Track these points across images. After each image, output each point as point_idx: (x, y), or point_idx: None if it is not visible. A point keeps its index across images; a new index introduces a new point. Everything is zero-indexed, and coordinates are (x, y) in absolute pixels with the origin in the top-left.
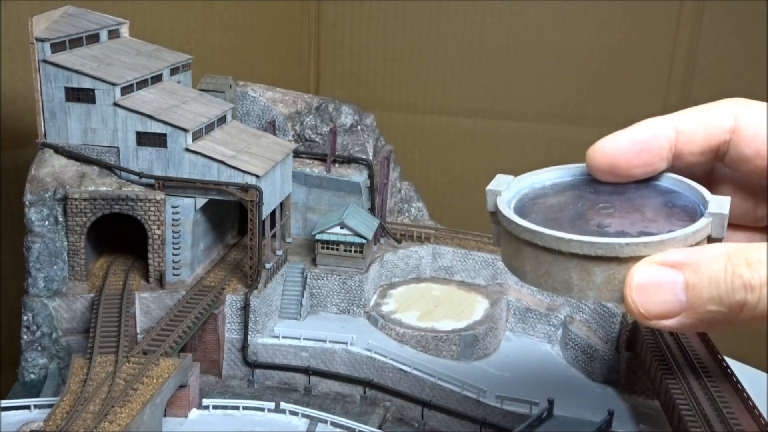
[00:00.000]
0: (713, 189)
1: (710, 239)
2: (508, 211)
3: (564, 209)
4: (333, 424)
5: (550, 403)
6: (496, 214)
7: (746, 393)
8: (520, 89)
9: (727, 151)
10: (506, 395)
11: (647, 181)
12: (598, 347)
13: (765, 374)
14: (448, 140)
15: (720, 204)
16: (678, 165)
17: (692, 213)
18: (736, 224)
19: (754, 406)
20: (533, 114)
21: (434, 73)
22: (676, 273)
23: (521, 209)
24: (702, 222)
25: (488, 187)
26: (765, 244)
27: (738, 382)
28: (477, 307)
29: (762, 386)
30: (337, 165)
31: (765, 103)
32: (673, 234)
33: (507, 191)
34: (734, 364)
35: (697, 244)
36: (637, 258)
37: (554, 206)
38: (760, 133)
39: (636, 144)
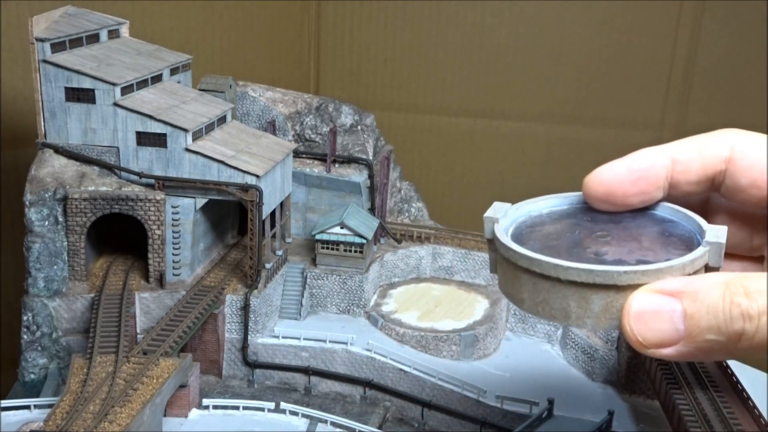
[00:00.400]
0: (709, 218)
1: (707, 268)
2: (505, 239)
3: (561, 237)
4: (333, 424)
5: (550, 403)
6: (493, 241)
7: (746, 393)
8: (520, 89)
9: (723, 180)
10: (506, 395)
11: (644, 210)
12: (598, 347)
13: (765, 374)
14: (448, 140)
15: (717, 233)
16: (674, 194)
17: (689, 242)
18: (732, 254)
19: (754, 406)
20: (533, 114)
21: (434, 73)
22: (674, 301)
23: (518, 237)
24: (699, 251)
25: (485, 215)
26: (763, 273)
27: (738, 382)
28: (477, 307)
29: (762, 386)
30: (337, 165)
31: (761, 135)
32: (671, 263)
33: (504, 218)
34: (734, 364)
35: (695, 272)
36: (635, 286)
37: (551, 234)
38: (756, 164)
39: (633, 173)
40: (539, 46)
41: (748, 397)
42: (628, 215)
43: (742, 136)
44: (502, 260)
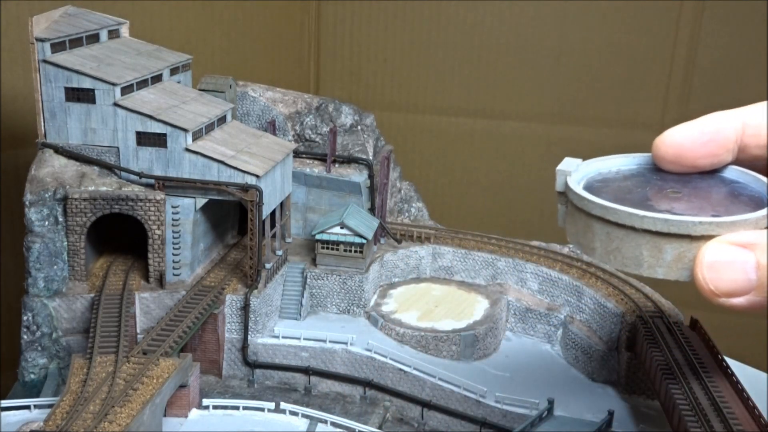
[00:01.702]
0: None
1: None
2: (580, 189)
3: (632, 192)
4: (333, 424)
5: (550, 403)
6: (564, 194)
7: (746, 393)
8: (520, 89)
9: None
10: (506, 395)
11: (711, 172)
12: (598, 347)
13: (765, 374)
14: (448, 140)
15: None
16: (742, 158)
17: (758, 202)
18: None
19: (754, 406)
20: (533, 114)
21: (434, 73)
22: (747, 253)
23: (589, 190)
24: None
25: (558, 167)
26: None
27: (738, 382)
28: (477, 307)
29: (762, 386)
30: (337, 165)
31: None
32: (745, 216)
33: (575, 173)
34: (734, 364)
35: (766, 228)
36: (709, 237)
37: (622, 189)
38: None
39: (703, 135)
40: (539, 46)
41: (748, 397)
42: (697, 176)
43: None
44: (573, 211)
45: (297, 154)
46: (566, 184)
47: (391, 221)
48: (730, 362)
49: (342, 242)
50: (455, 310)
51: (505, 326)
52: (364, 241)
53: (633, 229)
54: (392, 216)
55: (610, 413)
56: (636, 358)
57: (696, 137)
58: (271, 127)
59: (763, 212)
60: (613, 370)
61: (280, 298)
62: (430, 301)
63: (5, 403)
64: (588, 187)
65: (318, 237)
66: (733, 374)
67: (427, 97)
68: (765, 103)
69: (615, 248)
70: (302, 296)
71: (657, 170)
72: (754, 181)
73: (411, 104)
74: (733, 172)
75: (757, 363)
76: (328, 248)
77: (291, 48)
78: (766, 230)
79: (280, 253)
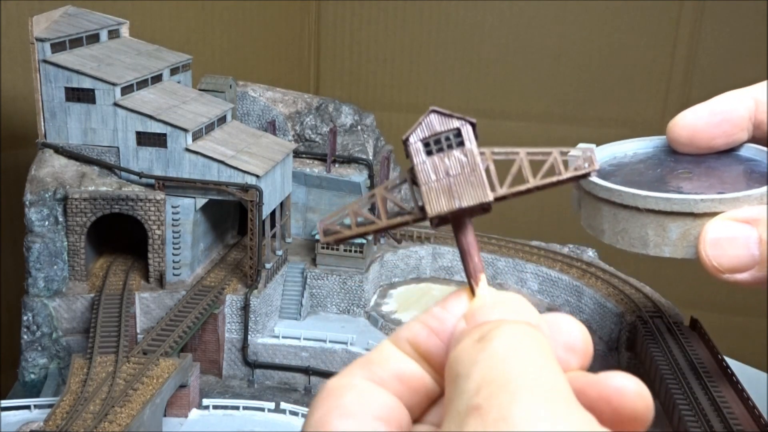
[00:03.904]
0: None
1: None
2: None
3: (643, 174)
4: None
5: None
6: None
7: (746, 393)
8: (520, 89)
9: None
10: None
11: (728, 151)
12: (599, 347)
13: (765, 374)
14: None
15: None
16: (758, 135)
17: None
18: None
19: (754, 406)
20: (533, 114)
21: (434, 73)
22: (750, 228)
23: (602, 174)
24: None
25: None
26: None
27: (738, 382)
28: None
29: (762, 386)
30: (337, 165)
31: None
32: (748, 192)
33: None
34: (734, 364)
35: None
36: (712, 214)
37: (634, 172)
38: None
39: (716, 115)
40: (539, 46)
41: (748, 397)
42: (712, 156)
43: None
44: (584, 195)
45: (297, 154)
46: None
47: None
48: (730, 362)
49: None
50: None
51: None
52: (364, 241)
53: (637, 209)
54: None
55: None
56: (636, 358)
57: (708, 118)
58: (271, 127)
59: (765, 188)
60: (613, 370)
61: (280, 298)
62: (430, 301)
63: (5, 403)
64: (600, 171)
65: (318, 237)
66: (733, 374)
67: (427, 97)
68: None
69: (622, 229)
70: (302, 296)
71: (673, 152)
72: (765, 157)
73: (411, 104)
74: (750, 150)
75: (757, 363)
76: (328, 248)
77: (291, 48)
78: None
79: (280, 253)
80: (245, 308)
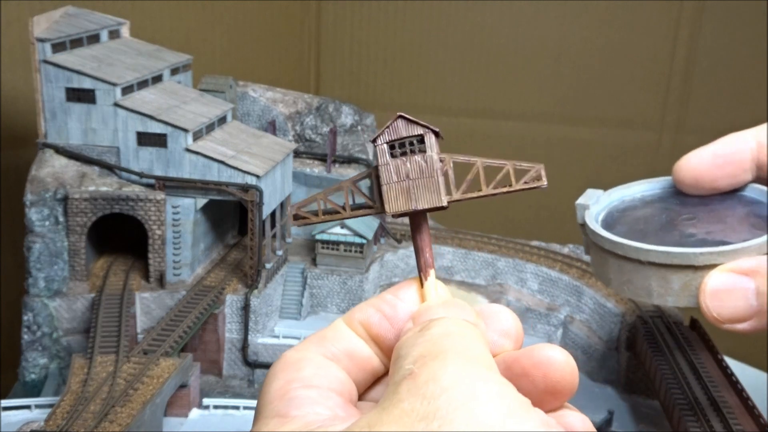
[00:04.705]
0: None
1: None
2: (594, 224)
3: (649, 221)
4: None
5: None
6: (584, 226)
7: (746, 393)
8: (520, 89)
9: None
10: None
11: (734, 192)
12: (598, 347)
13: (765, 374)
14: (448, 140)
15: None
16: (762, 176)
17: None
18: None
19: (754, 406)
20: (533, 114)
21: (434, 73)
22: (747, 280)
23: (609, 221)
24: None
25: (577, 202)
26: None
27: (738, 382)
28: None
29: (762, 386)
30: (337, 165)
31: None
32: (748, 243)
33: (596, 204)
34: (734, 364)
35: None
36: (712, 266)
37: (640, 218)
38: None
39: (718, 158)
40: (539, 46)
41: (748, 397)
42: (717, 198)
43: None
44: (592, 244)
45: (297, 154)
46: (584, 218)
47: (391, 221)
48: (730, 362)
49: (342, 242)
50: None
51: None
52: (365, 241)
53: (640, 262)
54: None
55: (610, 413)
56: (636, 358)
57: (711, 160)
58: (272, 127)
59: (763, 238)
60: (613, 369)
61: (280, 298)
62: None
63: (5, 403)
64: (608, 218)
65: (318, 237)
66: (732, 374)
67: (427, 97)
68: None
69: (627, 280)
70: (302, 296)
71: (678, 194)
72: None
73: (411, 104)
74: (755, 191)
75: (757, 363)
76: (328, 248)
77: (291, 48)
78: (767, 256)
79: (280, 253)
80: (245, 308)
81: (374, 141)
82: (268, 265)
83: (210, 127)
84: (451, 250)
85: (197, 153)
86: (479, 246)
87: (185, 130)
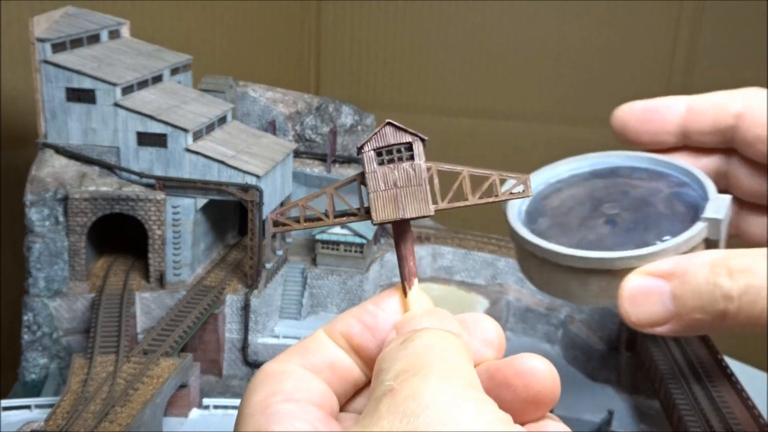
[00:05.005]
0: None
1: (708, 242)
2: (514, 220)
3: (571, 211)
4: None
5: None
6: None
7: (746, 393)
8: (520, 89)
9: (733, 135)
10: None
11: (660, 173)
12: (598, 347)
13: (765, 374)
14: (448, 140)
15: (716, 207)
16: (690, 144)
17: (696, 212)
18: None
19: (754, 406)
20: (533, 114)
21: (434, 73)
22: (663, 283)
23: (532, 212)
24: (695, 229)
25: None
26: (750, 250)
27: (738, 382)
28: (477, 307)
29: (762, 386)
30: (337, 165)
31: None
32: (664, 245)
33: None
34: (734, 364)
35: (692, 249)
36: (629, 269)
37: (563, 207)
38: (763, 119)
39: (647, 112)
40: (539, 46)
41: (748, 397)
42: (644, 177)
43: (759, 93)
44: (514, 241)
45: (297, 154)
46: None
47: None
48: (730, 362)
49: (342, 242)
50: (455, 310)
51: (506, 326)
52: (365, 241)
53: (558, 265)
54: None
55: (610, 413)
56: (636, 358)
57: (640, 114)
58: (271, 128)
59: (683, 237)
60: (613, 369)
61: (280, 298)
62: (431, 301)
63: (6, 403)
64: (531, 207)
65: (318, 237)
66: (732, 374)
67: (427, 97)
68: (713, 93)
69: (547, 280)
70: (302, 296)
71: (606, 174)
72: (698, 183)
73: (411, 104)
74: (682, 171)
75: (757, 363)
76: (328, 248)
77: (291, 48)
78: (684, 256)
79: (280, 253)
80: (245, 308)
81: (361, 148)
82: (268, 265)
83: (210, 127)
84: (451, 250)
85: (197, 153)
86: (479, 246)
87: (185, 130)
